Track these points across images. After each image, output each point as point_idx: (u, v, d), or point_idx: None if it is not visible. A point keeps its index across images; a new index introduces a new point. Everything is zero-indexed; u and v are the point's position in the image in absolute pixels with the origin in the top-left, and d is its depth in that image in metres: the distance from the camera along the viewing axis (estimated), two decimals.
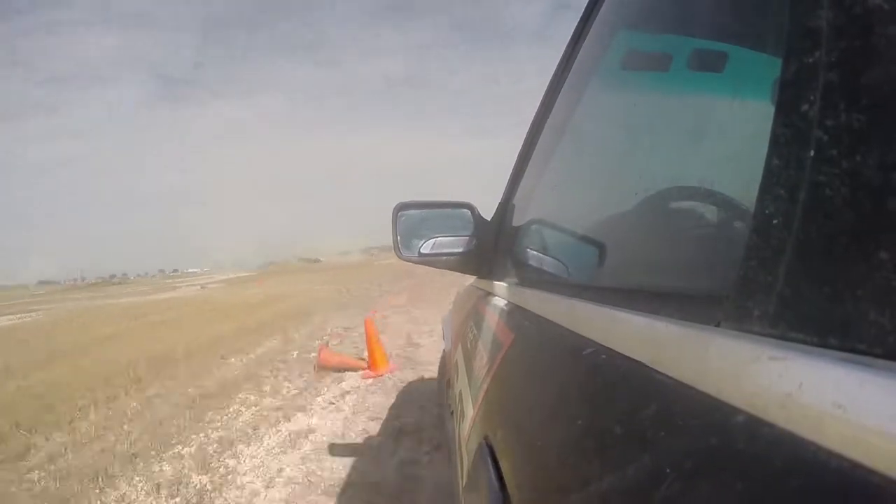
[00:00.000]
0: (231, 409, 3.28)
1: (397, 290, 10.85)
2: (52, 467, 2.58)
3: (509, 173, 1.02)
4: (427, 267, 1.15)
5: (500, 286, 0.92)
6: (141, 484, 2.29)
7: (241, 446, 2.62)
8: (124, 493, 2.23)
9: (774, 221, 0.19)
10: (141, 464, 2.50)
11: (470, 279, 1.46)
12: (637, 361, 0.28)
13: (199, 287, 27.18)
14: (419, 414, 2.75)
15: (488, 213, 1.11)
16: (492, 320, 0.83)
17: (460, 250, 1.10)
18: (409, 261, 1.12)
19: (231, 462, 2.44)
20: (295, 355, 4.79)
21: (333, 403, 3.20)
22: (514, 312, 0.70)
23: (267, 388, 3.69)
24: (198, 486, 2.20)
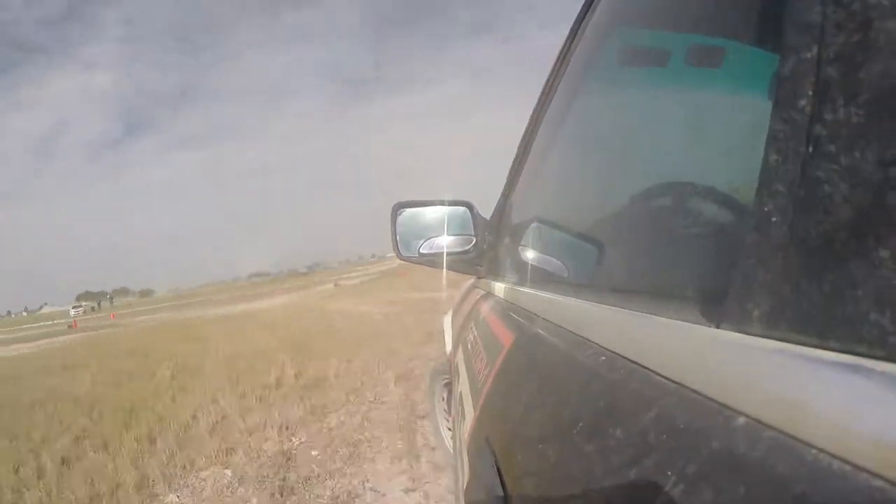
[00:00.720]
0: None
1: None
2: None
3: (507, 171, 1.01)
4: None
5: (500, 287, 0.92)
6: None
7: None
8: None
9: (773, 220, 0.19)
10: None
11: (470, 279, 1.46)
12: (637, 363, 0.28)
13: (332, 285, 25.11)
14: None
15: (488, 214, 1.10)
16: (491, 321, 0.82)
17: (460, 250, 1.09)
18: (409, 261, 1.11)
19: None
20: None
21: None
22: (514, 313, 0.70)
23: None
24: None
